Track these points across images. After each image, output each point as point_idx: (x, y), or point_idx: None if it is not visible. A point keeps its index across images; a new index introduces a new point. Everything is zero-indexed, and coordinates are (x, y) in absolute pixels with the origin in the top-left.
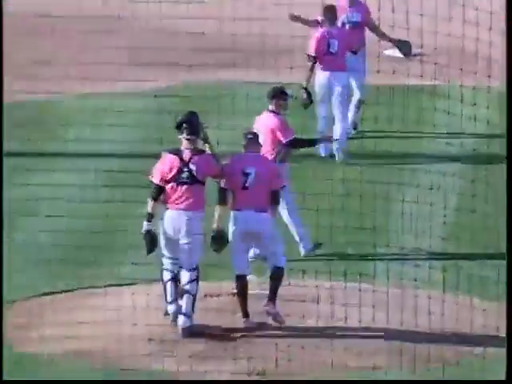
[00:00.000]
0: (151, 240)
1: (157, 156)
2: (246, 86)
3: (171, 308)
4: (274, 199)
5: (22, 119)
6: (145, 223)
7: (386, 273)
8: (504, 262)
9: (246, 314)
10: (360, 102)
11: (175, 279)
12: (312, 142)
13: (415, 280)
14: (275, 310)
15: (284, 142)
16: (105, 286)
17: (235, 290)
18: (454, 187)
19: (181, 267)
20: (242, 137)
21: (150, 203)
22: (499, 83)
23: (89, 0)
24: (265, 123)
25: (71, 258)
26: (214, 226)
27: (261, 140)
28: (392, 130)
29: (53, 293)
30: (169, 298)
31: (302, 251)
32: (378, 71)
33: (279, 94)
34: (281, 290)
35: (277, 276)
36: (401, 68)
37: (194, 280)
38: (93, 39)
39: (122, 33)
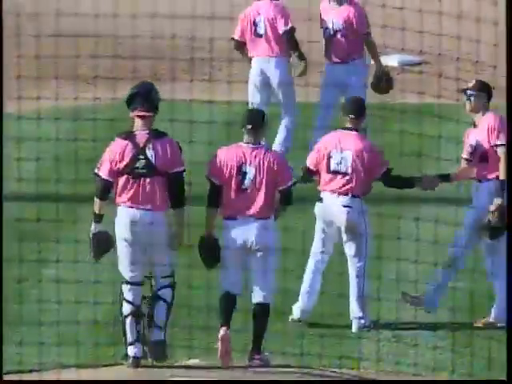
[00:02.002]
0: (100, 239)
1: (72, 199)
2: None
3: (132, 350)
4: (285, 199)
5: None
6: (93, 225)
7: (376, 355)
8: None
9: (226, 323)
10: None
11: (137, 314)
12: (411, 183)
13: (415, 365)
14: (261, 362)
15: (379, 175)
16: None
17: (172, 377)
18: None
19: (148, 278)
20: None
21: (98, 203)
22: None
23: None
24: (351, 147)
25: None
26: (204, 232)
27: (345, 165)
28: None
29: None
30: (129, 338)
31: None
32: (365, 85)
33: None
34: (233, 377)
35: (260, 315)
36: (394, 81)
37: (168, 286)
38: None
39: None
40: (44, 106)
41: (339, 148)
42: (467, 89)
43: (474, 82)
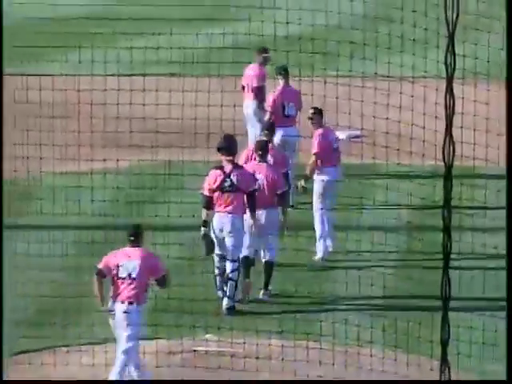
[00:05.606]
0: (208, 242)
1: (123, 228)
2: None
3: (219, 293)
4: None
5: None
6: (202, 229)
7: (332, 332)
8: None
9: (247, 277)
10: None
11: (222, 274)
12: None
13: (358, 339)
14: (268, 296)
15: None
16: (79, 345)
17: (196, 348)
18: (390, 257)
19: (227, 260)
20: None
21: (204, 212)
22: (433, 162)
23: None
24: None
25: (44, 321)
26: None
27: None
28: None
29: (28, 351)
30: (218, 287)
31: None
32: None
33: None
34: (238, 348)
35: (266, 268)
36: (344, 148)
37: (236, 270)
38: (60, 123)
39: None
40: (108, 165)
41: None
42: (311, 114)
43: (312, 109)
